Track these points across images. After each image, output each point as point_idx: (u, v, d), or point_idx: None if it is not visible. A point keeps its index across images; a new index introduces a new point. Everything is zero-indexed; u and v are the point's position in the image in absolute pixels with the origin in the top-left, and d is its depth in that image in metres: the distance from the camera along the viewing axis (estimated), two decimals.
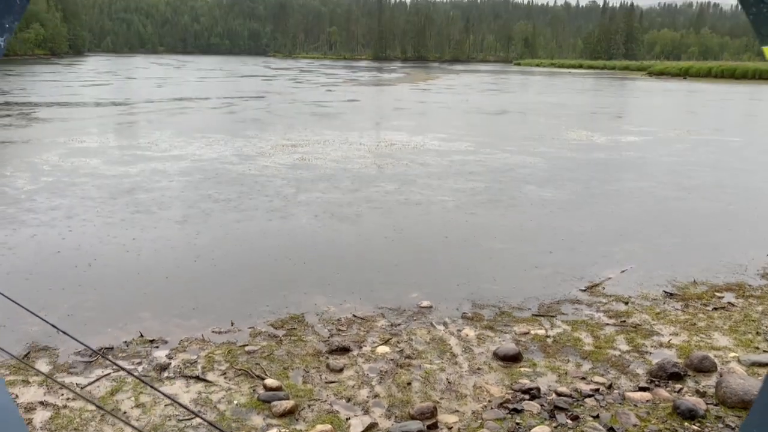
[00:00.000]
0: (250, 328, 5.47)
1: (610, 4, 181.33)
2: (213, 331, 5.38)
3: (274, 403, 4.15)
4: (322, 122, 21.77)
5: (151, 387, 2.81)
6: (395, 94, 39.64)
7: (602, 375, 4.70)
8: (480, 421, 4.06)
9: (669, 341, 5.31)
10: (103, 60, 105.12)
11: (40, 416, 3.97)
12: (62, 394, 4.23)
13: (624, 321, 5.75)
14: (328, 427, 3.90)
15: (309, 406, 4.20)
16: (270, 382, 4.42)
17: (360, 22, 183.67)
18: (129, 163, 13.16)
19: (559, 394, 4.38)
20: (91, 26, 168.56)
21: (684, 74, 70.27)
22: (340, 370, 4.69)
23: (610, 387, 4.51)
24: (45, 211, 9.14)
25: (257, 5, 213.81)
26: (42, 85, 38.94)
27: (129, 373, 3.10)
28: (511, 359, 4.90)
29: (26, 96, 30.46)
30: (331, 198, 10.41)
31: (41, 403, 4.13)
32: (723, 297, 6.44)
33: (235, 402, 4.22)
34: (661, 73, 75.03)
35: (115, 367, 4.62)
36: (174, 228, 8.52)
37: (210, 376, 4.57)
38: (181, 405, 2.40)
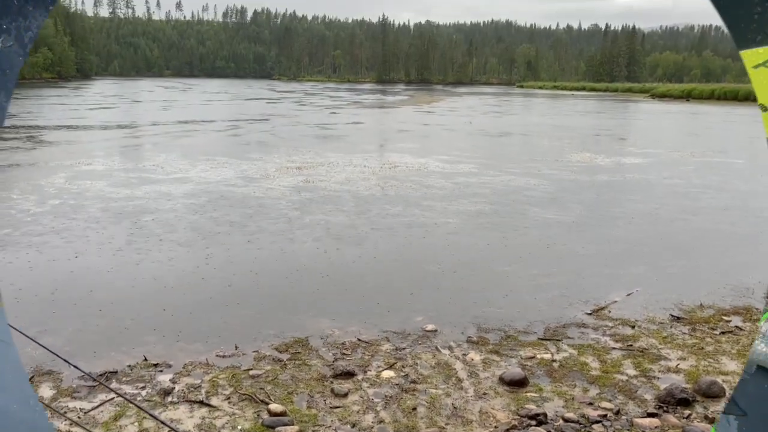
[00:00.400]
0: (254, 351, 5.45)
1: (612, 27, 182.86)
2: (217, 355, 5.36)
3: (279, 428, 4.11)
4: (327, 144, 21.89)
5: (151, 415, 2.79)
6: (399, 116, 39.86)
7: (610, 400, 4.65)
8: None
9: (677, 366, 5.27)
10: (109, 83, 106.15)
11: None
12: (66, 420, 4.20)
13: (631, 345, 5.70)
14: None
15: (313, 431, 4.16)
16: (274, 407, 4.39)
17: (364, 46, 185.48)
18: (134, 185, 13.23)
19: (566, 420, 4.33)
20: (99, 50, 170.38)
21: (687, 96, 70.52)
22: (345, 395, 4.65)
23: (617, 413, 4.46)
24: (50, 234, 9.17)
25: (262, 29, 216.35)
26: (49, 108, 39.30)
27: (129, 401, 3.08)
28: (517, 384, 4.85)
29: (33, 119, 30.74)
30: (336, 220, 10.42)
31: None
32: (730, 321, 6.39)
33: (239, 427, 4.18)
34: (663, 96, 75.30)
35: (119, 391, 4.60)
36: (178, 251, 8.53)
37: (214, 401, 4.54)
38: None
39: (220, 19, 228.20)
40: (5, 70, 1.61)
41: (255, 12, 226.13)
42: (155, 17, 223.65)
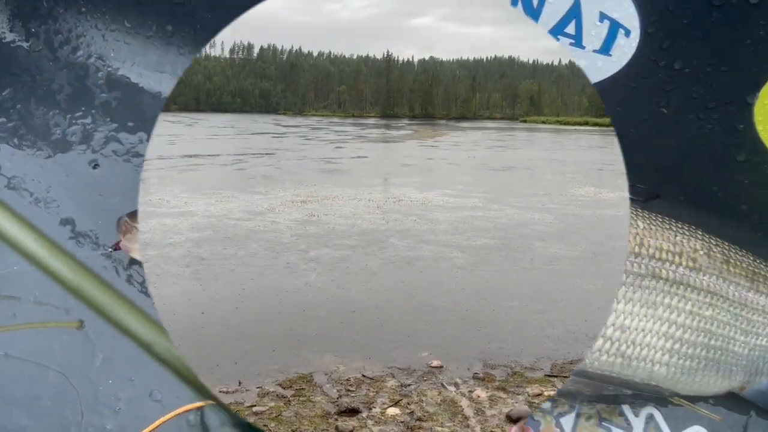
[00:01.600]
0: (258, 387, 5.39)
1: None
2: (220, 391, 5.30)
3: None
4: (331, 178, 22.01)
5: None
6: (403, 150, 40.14)
7: None
8: None
9: None
10: None
11: None
12: None
13: None
14: None
15: None
16: None
17: (369, 81, 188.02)
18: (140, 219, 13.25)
19: None
20: None
21: None
22: None
23: None
24: None
25: (268, 65, 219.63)
26: None
27: None
28: None
29: None
30: (340, 255, 10.41)
31: None
32: None
33: None
34: None
35: None
36: (182, 285, 8.52)
37: None
38: None
39: (227, 55, 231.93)
40: (35, 76, 1.57)
41: (261, 48, 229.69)
42: None
